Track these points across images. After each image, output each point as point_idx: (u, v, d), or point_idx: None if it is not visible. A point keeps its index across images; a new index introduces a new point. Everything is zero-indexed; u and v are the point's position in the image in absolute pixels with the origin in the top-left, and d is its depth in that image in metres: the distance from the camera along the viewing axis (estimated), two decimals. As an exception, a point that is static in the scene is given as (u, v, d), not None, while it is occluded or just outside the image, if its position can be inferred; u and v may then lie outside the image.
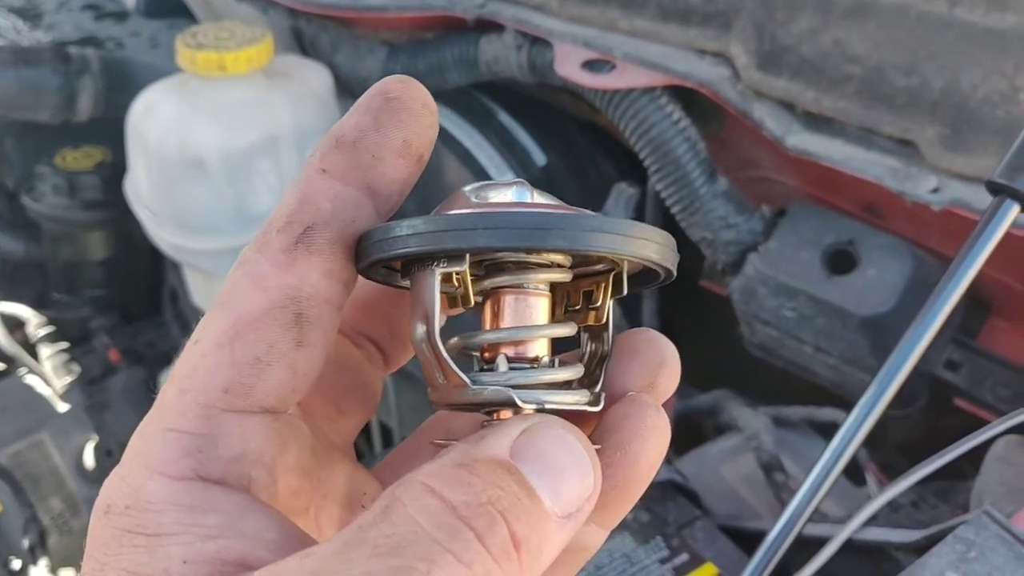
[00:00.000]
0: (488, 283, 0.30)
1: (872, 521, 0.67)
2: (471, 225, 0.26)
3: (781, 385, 0.97)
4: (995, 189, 0.55)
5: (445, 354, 0.28)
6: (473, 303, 0.29)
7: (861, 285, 0.84)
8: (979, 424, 0.70)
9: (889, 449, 0.94)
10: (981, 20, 0.82)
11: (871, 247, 0.86)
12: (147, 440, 0.27)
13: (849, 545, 0.64)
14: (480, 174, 1.11)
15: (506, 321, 0.29)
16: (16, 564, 1.20)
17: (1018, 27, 0.81)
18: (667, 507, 0.73)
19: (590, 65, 0.97)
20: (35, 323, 1.39)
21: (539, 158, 1.14)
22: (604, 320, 0.30)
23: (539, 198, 0.29)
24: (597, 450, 0.28)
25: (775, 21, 0.90)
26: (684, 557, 0.70)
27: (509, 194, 0.29)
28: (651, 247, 0.28)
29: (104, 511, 0.26)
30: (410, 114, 0.29)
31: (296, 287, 0.27)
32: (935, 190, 0.80)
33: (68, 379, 1.33)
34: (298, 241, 0.28)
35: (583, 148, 1.17)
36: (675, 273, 0.30)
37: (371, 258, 0.28)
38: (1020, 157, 0.54)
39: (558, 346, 0.31)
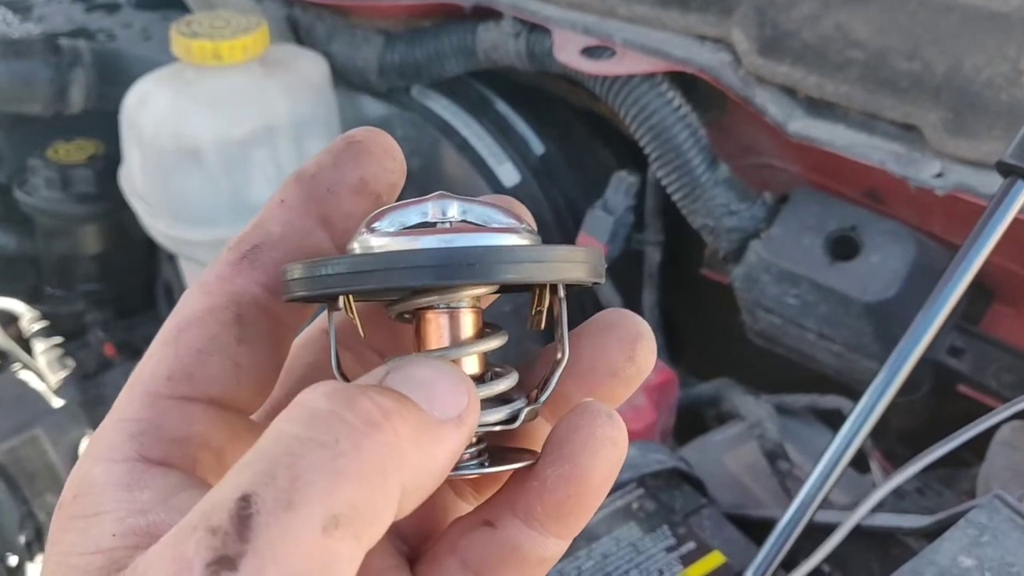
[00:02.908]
0: (400, 307, 0.29)
1: (878, 508, 0.66)
2: (344, 269, 0.26)
3: (784, 373, 0.96)
4: (1006, 170, 0.54)
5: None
6: (364, 336, 0.29)
7: (864, 271, 0.84)
8: (982, 410, 0.69)
9: (892, 437, 0.94)
10: (984, 3, 0.82)
11: (874, 233, 0.85)
12: (98, 435, 0.28)
13: (858, 531, 0.64)
14: (478, 163, 1.10)
15: (426, 342, 0.29)
16: (13, 560, 1.19)
17: (1021, 10, 0.80)
18: (673, 495, 0.73)
19: (589, 52, 0.96)
20: (29, 318, 1.38)
21: (537, 147, 1.13)
22: (544, 325, 0.29)
23: (460, 210, 0.28)
24: (548, 461, 0.27)
25: (776, 6, 0.89)
26: (691, 545, 0.69)
27: (419, 215, 0.28)
28: (513, 270, 0.26)
29: (59, 507, 0.27)
30: (369, 156, 0.30)
31: (237, 293, 0.29)
32: (938, 175, 0.79)
33: (63, 374, 1.31)
34: (243, 257, 0.29)
35: (582, 136, 1.16)
36: (599, 280, 0.28)
37: (285, 295, 0.29)
38: (1031, 137, 0.54)
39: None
